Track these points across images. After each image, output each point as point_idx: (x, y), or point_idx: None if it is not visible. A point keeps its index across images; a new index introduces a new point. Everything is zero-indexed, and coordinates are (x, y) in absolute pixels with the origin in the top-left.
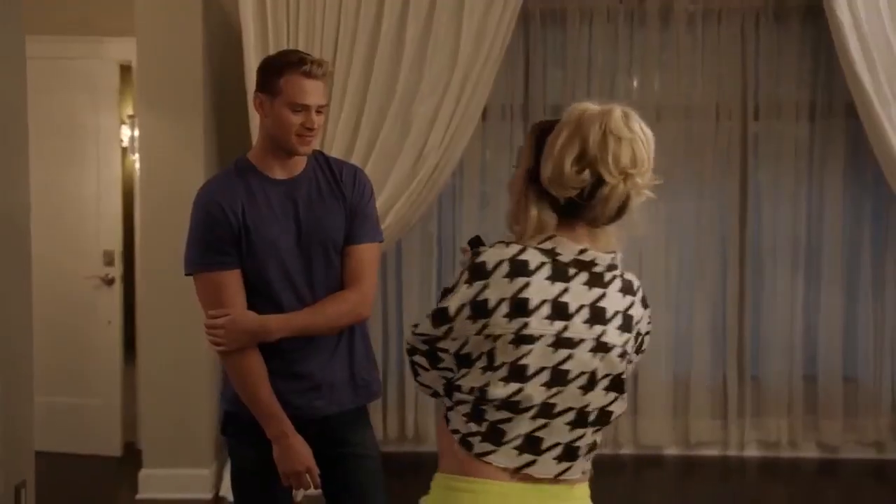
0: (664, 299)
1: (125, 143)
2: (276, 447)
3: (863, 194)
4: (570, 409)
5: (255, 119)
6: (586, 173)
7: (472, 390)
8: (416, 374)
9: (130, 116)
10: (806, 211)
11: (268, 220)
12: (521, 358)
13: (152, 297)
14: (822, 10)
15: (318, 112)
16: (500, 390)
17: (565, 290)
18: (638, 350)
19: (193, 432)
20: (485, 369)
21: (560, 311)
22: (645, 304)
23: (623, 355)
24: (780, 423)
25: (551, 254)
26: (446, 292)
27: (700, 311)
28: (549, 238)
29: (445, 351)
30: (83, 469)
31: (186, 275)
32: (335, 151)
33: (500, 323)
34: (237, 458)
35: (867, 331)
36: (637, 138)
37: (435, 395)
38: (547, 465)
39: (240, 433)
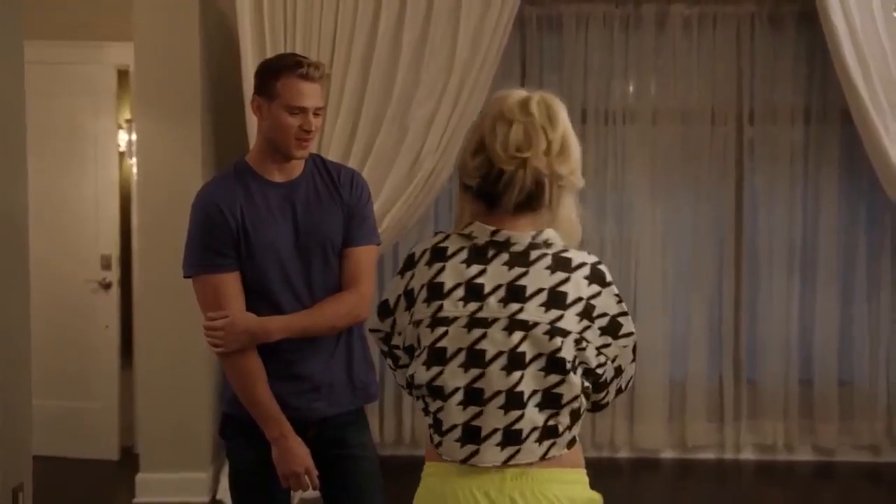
0: (661, 302)
1: (122, 148)
2: (275, 448)
3: (858, 198)
4: (498, 392)
5: (252, 122)
6: (479, 160)
7: (409, 379)
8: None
9: (128, 121)
10: (801, 215)
11: (266, 222)
12: (437, 340)
13: (150, 301)
14: (816, 15)
15: (316, 114)
16: (423, 375)
17: (482, 272)
18: (608, 331)
19: (191, 436)
20: (417, 355)
21: (475, 292)
22: (599, 282)
23: (555, 333)
24: (776, 426)
25: (469, 238)
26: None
27: (696, 315)
28: (469, 224)
29: (398, 347)
30: (80, 473)
31: (185, 277)
32: (332, 155)
33: (421, 308)
34: (235, 459)
35: (862, 334)
36: (533, 122)
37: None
38: (490, 452)
39: (238, 435)
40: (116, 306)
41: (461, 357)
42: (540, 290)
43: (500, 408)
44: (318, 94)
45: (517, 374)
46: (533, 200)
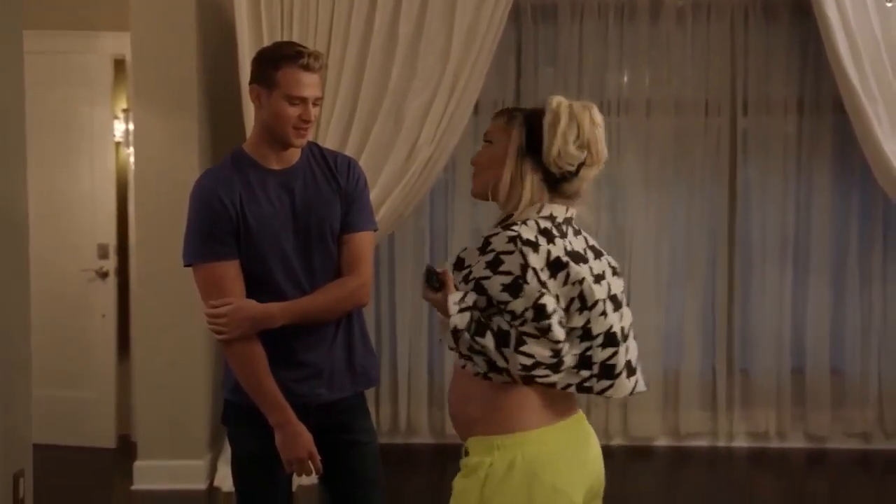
0: (654, 293)
1: (118, 138)
2: (279, 434)
3: (850, 189)
4: (621, 328)
5: (249, 112)
6: (583, 152)
7: (572, 330)
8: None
9: (124, 110)
10: (794, 206)
11: (266, 209)
12: (582, 294)
13: (147, 290)
14: (810, 6)
15: (315, 104)
16: (600, 326)
17: (569, 242)
18: None
19: (188, 424)
20: (579, 310)
21: (577, 256)
22: None
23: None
24: (768, 414)
25: (550, 218)
26: (516, 289)
27: (690, 305)
28: (542, 207)
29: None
30: (78, 461)
31: (186, 266)
32: (329, 145)
33: (577, 269)
34: (238, 446)
35: (854, 324)
36: (602, 136)
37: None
38: (624, 385)
39: (240, 422)
40: (113, 295)
41: (608, 305)
42: (593, 246)
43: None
44: (318, 84)
45: (621, 311)
46: (580, 193)
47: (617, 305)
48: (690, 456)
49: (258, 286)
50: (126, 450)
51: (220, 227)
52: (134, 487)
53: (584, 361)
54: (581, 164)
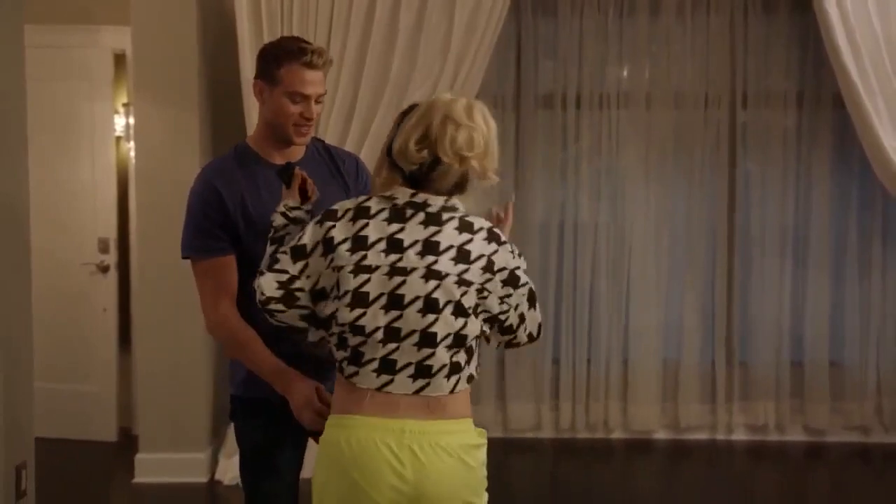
0: (654, 285)
1: (119, 132)
2: (291, 399)
3: (849, 182)
4: (413, 331)
5: (250, 106)
6: (425, 152)
7: (329, 317)
8: (271, 317)
9: (125, 105)
10: (793, 199)
11: (268, 205)
12: (361, 286)
13: (148, 283)
14: (810, 0)
15: (317, 101)
16: (346, 315)
17: (402, 229)
18: (508, 282)
19: (189, 417)
20: (335, 298)
21: (395, 245)
22: (497, 241)
23: (461, 283)
24: (767, 407)
25: (390, 199)
26: (300, 234)
27: (689, 298)
28: (390, 189)
29: (301, 290)
30: (79, 454)
31: (183, 258)
32: (329, 139)
33: (344, 256)
34: (245, 441)
35: (853, 316)
36: (476, 128)
37: (292, 330)
38: (403, 383)
39: (247, 417)
40: (114, 289)
41: (382, 300)
42: (450, 247)
43: (415, 345)
44: (321, 81)
45: (431, 317)
46: (455, 189)
47: (396, 305)
48: (690, 449)
49: (250, 282)
50: (127, 443)
51: (218, 222)
52: (135, 480)
53: (341, 342)
54: (432, 165)
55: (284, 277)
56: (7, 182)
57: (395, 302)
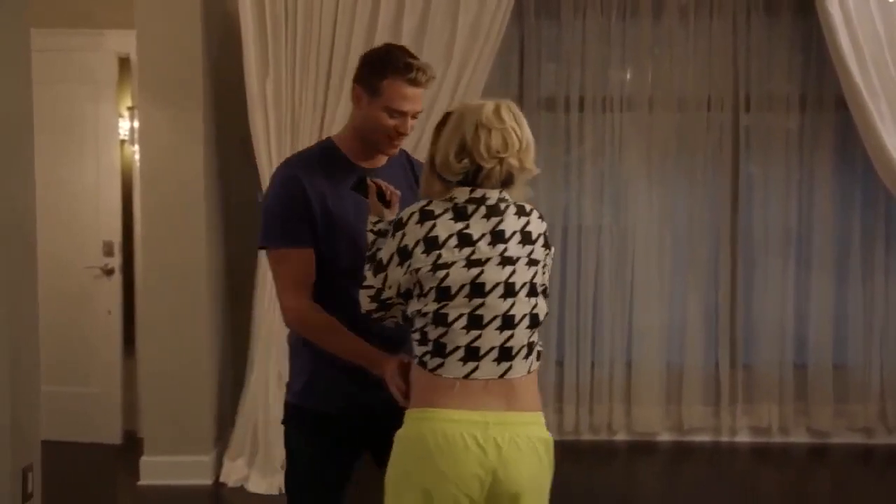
0: (658, 288)
1: (123, 136)
2: (384, 371)
3: (852, 184)
4: (495, 317)
5: (254, 109)
6: (466, 161)
7: (415, 312)
8: (382, 321)
9: (129, 108)
10: (796, 201)
11: (347, 203)
12: (442, 281)
13: (152, 286)
14: (812, 3)
15: (413, 117)
16: (430, 308)
17: (467, 226)
18: (551, 256)
19: (194, 419)
20: (418, 296)
21: (465, 239)
22: (543, 219)
23: (531, 263)
24: (771, 409)
25: (450, 200)
26: (378, 249)
27: (693, 300)
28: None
29: (390, 298)
30: (84, 456)
31: (260, 247)
32: None
33: (420, 258)
34: (295, 451)
35: (857, 318)
36: (507, 127)
37: (395, 324)
38: (488, 368)
39: (301, 425)
40: (119, 292)
41: (465, 290)
42: (514, 232)
43: (497, 329)
44: (421, 98)
45: (511, 301)
46: (503, 185)
47: (478, 294)
48: (693, 451)
49: (327, 279)
50: (131, 446)
51: (298, 212)
52: (140, 483)
53: (422, 337)
54: (477, 171)
55: (372, 292)
56: (14, 185)
57: (476, 291)
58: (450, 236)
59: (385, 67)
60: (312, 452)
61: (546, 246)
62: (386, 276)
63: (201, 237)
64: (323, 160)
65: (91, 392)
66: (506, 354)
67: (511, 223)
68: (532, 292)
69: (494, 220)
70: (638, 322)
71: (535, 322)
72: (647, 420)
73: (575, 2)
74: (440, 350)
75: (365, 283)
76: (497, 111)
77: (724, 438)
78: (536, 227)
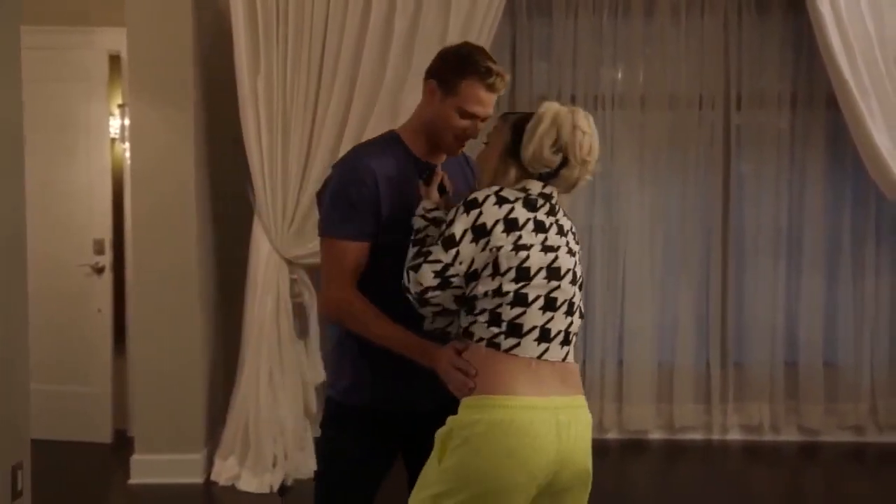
0: (649, 287)
1: (114, 133)
2: (437, 364)
3: (843, 182)
4: (564, 301)
5: (245, 107)
6: (559, 156)
7: (486, 293)
8: (424, 306)
9: (120, 106)
10: (787, 199)
11: (406, 197)
12: (523, 262)
13: (143, 284)
14: (803, 2)
15: (483, 121)
16: (510, 287)
17: (536, 215)
18: None
19: (184, 418)
20: (493, 276)
21: (540, 226)
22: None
23: (580, 261)
24: (762, 407)
25: (523, 190)
26: (447, 225)
27: (684, 299)
28: (518, 182)
29: (455, 275)
30: (75, 455)
31: (322, 235)
32: (324, 141)
33: (500, 237)
34: (337, 451)
35: (847, 317)
36: (595, 135)
37: (443, 313)
38: (555, 350)
39: (346, 424)
40: (109, 290)
41: (543, 273)
42: (569, 230)
43: (564, 313)
44: (493, 104)
45: (575, 288)
46: (570, 188)
47: (554, 276)
48: (685, 449)
49: (376, 270)
50: (122, 444)
51: (365, 204)
52: (131, 481)
53: (493, 318)
54: (560, 167)
55: (439, 266)
56: (4, 183)
57: (553, 274)
58: (527, 220)
59: (465, 68)
60: (355, 452)
61: (579, 243)
62: (458, 251)
63: (192, 235)
64: (387, 151)
65: (81, 390)
66: (567, 339)
67: (565, 221)
68: (580, 284)
69: (554, 217)
70: (629, 321)
71: (580, 312)
72: (638, 418)
73: (567, 0)
74: (516, 330)
75: (431, 258)
76: (587, 118)
77: (716, 437)
78: (573, 224)
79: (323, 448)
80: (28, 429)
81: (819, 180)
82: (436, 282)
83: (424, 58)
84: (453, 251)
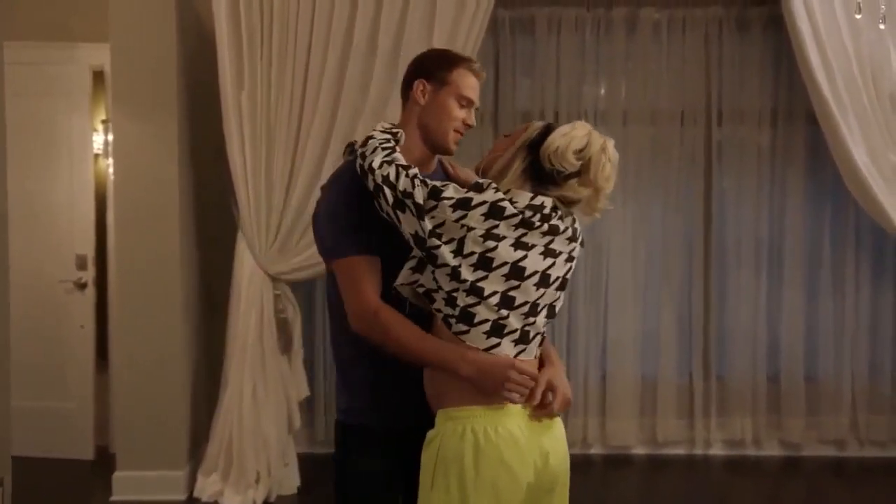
0: (631, 300)
1: (97, 149)
2: (475, 377)
3: (822, 197)
4: (525, 302)
5: (229, 123)
6: (578, 164)
7: (445, 267)
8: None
9: (103, 121)
10: (768, 214)
11: None
12: (489, 251)
13: (125, 300)
14: (783, 19)
15: (476, 109)
16: (469, 274)
17: (525, 212)
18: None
19: (167, 434)
20: (455, 253)
21: (526, 223)
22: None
23: (569, 260)
24: (744, 422)
25: (532, 197)
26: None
27: (666, 313)
28: (507, 192)
29: (417, 206)
30: (56, 472)
31: (334, 258)
32: (310, 155)
33: (476, 218)
34: (354, 475)
35: (827, 331)
36: (615, 168)
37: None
38: (507, 347)
39: (362, 446)
40: (92, 306)
41: (505, 269)
42: (566, 228)
43: (523, 314)
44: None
45: (542, 291)
46: (568, 206)
47: (517, 276)
48: (668, 464)
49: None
50: (104, 461)
51: (369, 215)
52: (113, 498)
53: (449, 300)
54: (573, 174)
55: (413, 201)
56: None
57: (516, 273)
58: (514, 214)
59: (449, 59)
60: (371, 472)
61: (581, 244)
62: (436, 205)
63: (175, 251)
64: None
65: (63, 407)
66: (524, 338)
67: (566, 221)
68: (561, 286)
69: (548, 222)
70: (612, 334)
71: (552, 313)
72: (621, 433)
73: (549, 17)
74: (468, 318)
75: (410, 174)
76: (615, 152)
77: (699, 451)
78: (578, 227)
79: (339, 473)
80: (9, 445)
81: (799, 195)
82: (403, 185)
83: None
84: (432, 201)
